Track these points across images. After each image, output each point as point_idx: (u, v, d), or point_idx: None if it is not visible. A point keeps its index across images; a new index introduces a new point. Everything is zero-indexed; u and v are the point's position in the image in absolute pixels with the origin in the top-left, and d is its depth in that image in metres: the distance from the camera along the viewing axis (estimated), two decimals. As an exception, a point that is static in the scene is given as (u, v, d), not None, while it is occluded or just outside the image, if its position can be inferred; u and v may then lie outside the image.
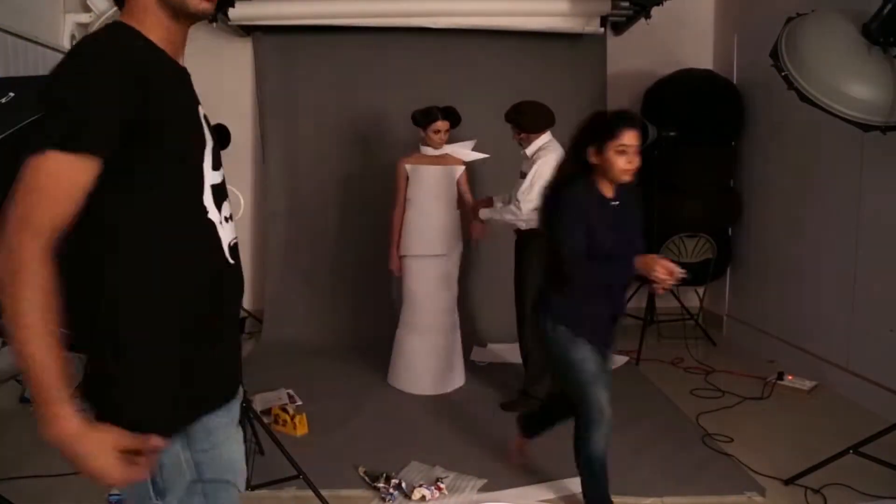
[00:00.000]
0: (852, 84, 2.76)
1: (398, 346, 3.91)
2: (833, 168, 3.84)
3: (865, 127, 2.80)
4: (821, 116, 2.84)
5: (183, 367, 1.13)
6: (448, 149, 3.78)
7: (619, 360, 4.40)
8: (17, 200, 0.99)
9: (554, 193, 2.30)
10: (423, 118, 3.68)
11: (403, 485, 2.63)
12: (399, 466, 2.85)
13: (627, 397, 3.60)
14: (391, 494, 2.59)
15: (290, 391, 3.71)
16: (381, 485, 2.64)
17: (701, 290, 4.96)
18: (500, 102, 4.95)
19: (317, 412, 3.43)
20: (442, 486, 2.64)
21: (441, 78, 4.91)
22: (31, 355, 0.98)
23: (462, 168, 3.84)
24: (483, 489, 2.69)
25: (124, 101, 1.02)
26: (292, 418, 3.21)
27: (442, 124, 3.67)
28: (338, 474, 2.76)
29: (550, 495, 2.63)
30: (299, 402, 3.60)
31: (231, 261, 1.21)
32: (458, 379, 3.93)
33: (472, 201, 3.83)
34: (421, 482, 2.67)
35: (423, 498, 2.59)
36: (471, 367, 4.16)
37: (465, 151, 3.83)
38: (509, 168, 4.92)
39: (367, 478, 2.72)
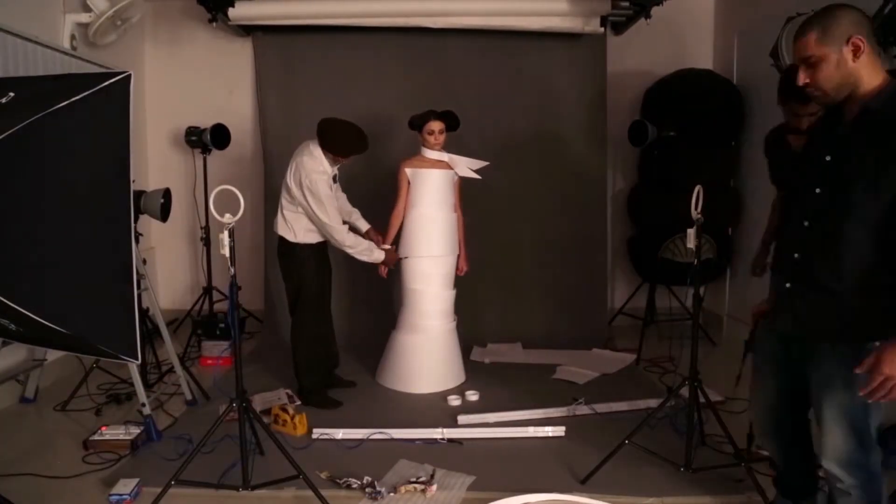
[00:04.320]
0: (852, 84, 2.75)
1: (398, 346, 3.91)
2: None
3: (865, 127, 2.79)
4: (821, 116, 2.83)
5: None
6: (455, 159, 3.79)
7: (627, 357, 4.41)
8: None
9: None
10: (418, 120, 3.72)
11: (376, 484, 2.64)
12: (388, 465, 2.87)
13: (627, 397, 3.62)
14: (379, 493, 2.59)
15: (290, 391, 3.71)
16: (355, 484, 2.66)
17: (701, 290, 4.95)
18: (500, 102, 4.99)
19: (316, 412, 3.44)
20: (432, 484, 2.66)
21: (441, 78, 4.91)
22: None
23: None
24: (472, 487, 2.70)
25: None
26: (292, 418, 3.21)
27: (436, 124, 3.69)
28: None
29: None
30: (299, 402, 3.60)
31: None
32: (456, 378, 3.95)
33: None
34: (409, 479, 2.68)
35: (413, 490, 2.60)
36: (471, 366, 4.17)
37: (462, 165, 3.82)
38: (511, 169, 4.94)
39: (336, 481, 2.71)
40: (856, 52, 1.73)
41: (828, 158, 1.83)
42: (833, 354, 1.84)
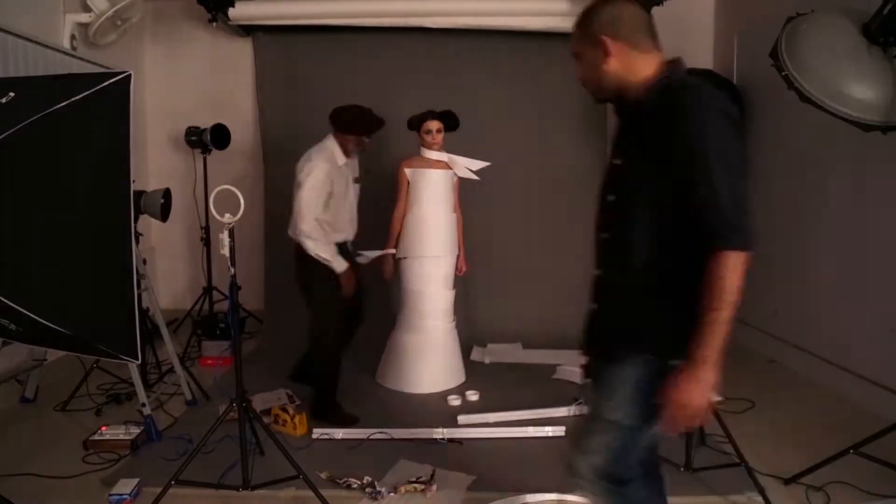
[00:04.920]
0: (852, 84, 2.76)
1: (398, 346, 3.92)
2: (833, 168, 3.84)
3: (865, 127, 2.80)
4: (821, 116, 2.84)
5: None
6: (454, 159, 3.79)
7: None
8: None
9: None
10: (416, 120, 3.72)
11: (376, 484, 2.64)
12: (388, 465, 2.86)
13: (627, 397, 3.62)
14: (379, 493, 2.59)
15: (290, 391, 3.71)
16: (355, 484, 2.66)
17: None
18: (500, 102, 4.99)
19: (317, 412, 3.44)
20: (432, 484, 2.66)
21: (441, 78, 4.91)
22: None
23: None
24: (472, 487, 2.70)
25: None
26: (292, 418, 3.21)
27: (433, 124, 3.69)
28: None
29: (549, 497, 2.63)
30: (298, 402, 3.60)
31: None
32: (456, 378, 3.95)
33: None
34: (409, 479, 2.67)
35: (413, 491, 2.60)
36: (471, 366, 4.17)
37: (461, 166, 3.82)
38: (511, 169, 4.94)
39: (336, 481, 2.70)
40: (605, 53, 1.59)
41: (618, 163, 1.67)
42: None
